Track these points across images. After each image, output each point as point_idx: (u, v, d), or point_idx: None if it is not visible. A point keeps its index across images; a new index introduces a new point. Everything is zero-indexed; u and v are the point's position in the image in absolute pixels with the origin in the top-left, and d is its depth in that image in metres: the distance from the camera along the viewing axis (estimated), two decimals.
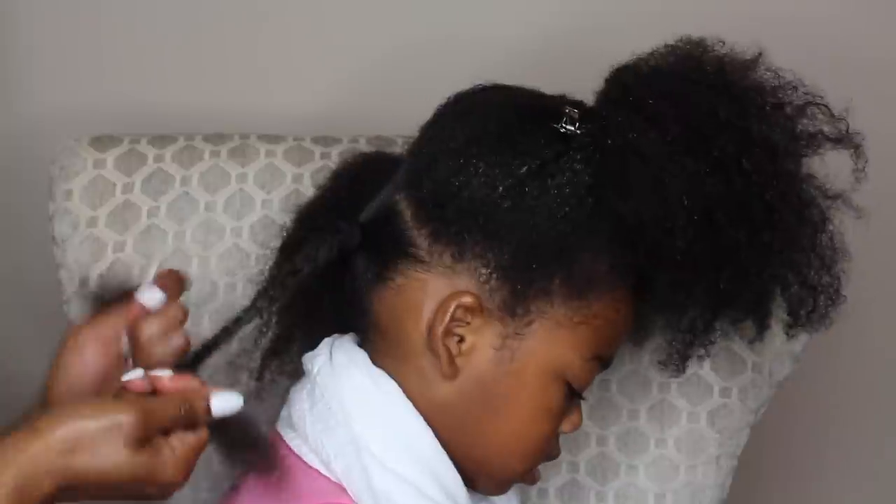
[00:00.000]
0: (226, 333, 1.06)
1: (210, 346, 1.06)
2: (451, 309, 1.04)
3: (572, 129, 1.06)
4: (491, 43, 1.54)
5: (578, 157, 1.05)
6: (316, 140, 1.33)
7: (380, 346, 1.08)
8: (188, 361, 1.05)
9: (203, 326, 1.27)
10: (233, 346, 1.23)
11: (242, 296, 1.27)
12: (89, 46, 1.56)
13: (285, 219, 1.28)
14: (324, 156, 1.31)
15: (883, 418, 1.69)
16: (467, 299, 1.04)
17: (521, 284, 1.04)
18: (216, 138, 1.33)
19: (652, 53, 1.09)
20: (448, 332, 1.05)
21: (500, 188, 1.04)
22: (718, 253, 1.04)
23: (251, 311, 1.07)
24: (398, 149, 1.31)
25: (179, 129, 1.36)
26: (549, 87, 1.11)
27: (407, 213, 1.07)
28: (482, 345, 1.05)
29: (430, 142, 1.09)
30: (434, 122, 1.10)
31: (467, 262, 1.05)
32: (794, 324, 1.11)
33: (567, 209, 1.04)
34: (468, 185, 1.04)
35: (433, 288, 1.05)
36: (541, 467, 1.23)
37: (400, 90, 1.56)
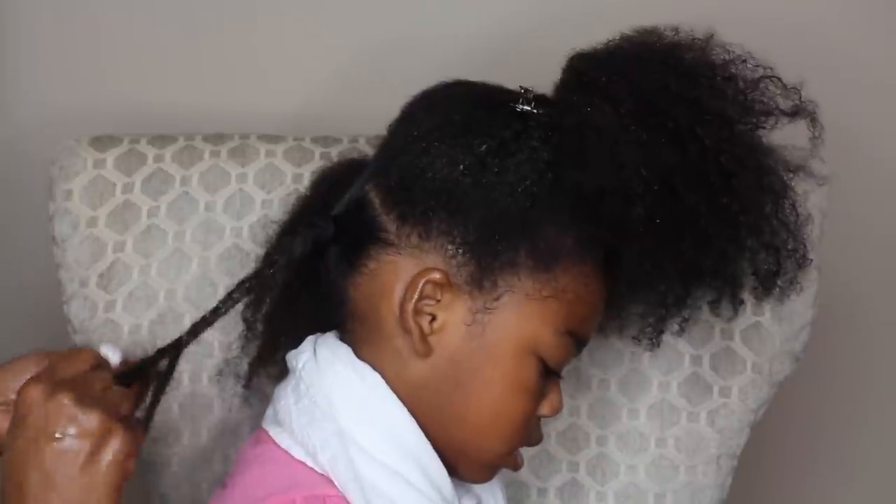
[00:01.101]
0: (204, 323, 1.09)
1: (189, 335, 1.09)
2: (420, 285, 1.06)
3: (528, 108, 1.08)
4: (494, 42, 1.54)
5: (536, 134, 1.07)
6: (316, 140, 1.33)
7: (359, 334, 1.10)
8: (170, 348, 1.08)
9: None
10: (218, 356, 1.25)
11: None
12: (89, 46, 1.56)
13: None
14: (324, 156, 1.31)
15: (882, 418, 1.69)
16: (435, 275, 1.06)
17: (487, 258, 1.06)
18: (216, 138, 1.33)
19: (606, 41, 1.11)
20: (419, 311, 1.07)
21: (461, 166, 1.06)
22: (679, 219, 1.06)
23: (228, 301, 1.09)
24: None
25: (179, 129, 1.36)
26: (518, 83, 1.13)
27: (376, 201, 1.09)
28: (453, 321, 1.07)
29: (396, 135, 1.12)
30: (400, 118, 1.13)
31: (434, 240, 1.07)
32: (763, 288, 1.13)
33: (527, 183, 1.06)
34: (431, 166, 1.07)
35: (403, 268, 1.07)
36: (540, 467, 1.24)
37: (400, 90, 1.56)
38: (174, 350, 1.08)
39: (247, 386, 1.21)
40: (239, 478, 1.09)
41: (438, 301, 1.06)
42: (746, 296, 1.16)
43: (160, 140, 1.32)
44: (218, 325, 1.27)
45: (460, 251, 1.06)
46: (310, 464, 1.07)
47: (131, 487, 1.40)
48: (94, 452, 1.00)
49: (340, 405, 1.07)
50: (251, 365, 1.19)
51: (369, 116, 1.54)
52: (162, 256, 1.28)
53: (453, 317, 1.07)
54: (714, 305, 1.15)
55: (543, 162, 1.06)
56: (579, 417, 1.29)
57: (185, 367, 1.28)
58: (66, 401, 0.99)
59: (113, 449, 1.00)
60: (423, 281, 1.06)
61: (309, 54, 1.57)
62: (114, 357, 1.07)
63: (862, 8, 1.57)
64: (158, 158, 1.31)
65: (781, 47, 1.13)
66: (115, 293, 1.28)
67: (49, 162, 1.31)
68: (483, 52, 1.52)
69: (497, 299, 1.06)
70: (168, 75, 1.57)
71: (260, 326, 1.17)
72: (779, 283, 1.12)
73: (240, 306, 1.14)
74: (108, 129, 1.35)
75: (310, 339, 1.11)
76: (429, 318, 1.07)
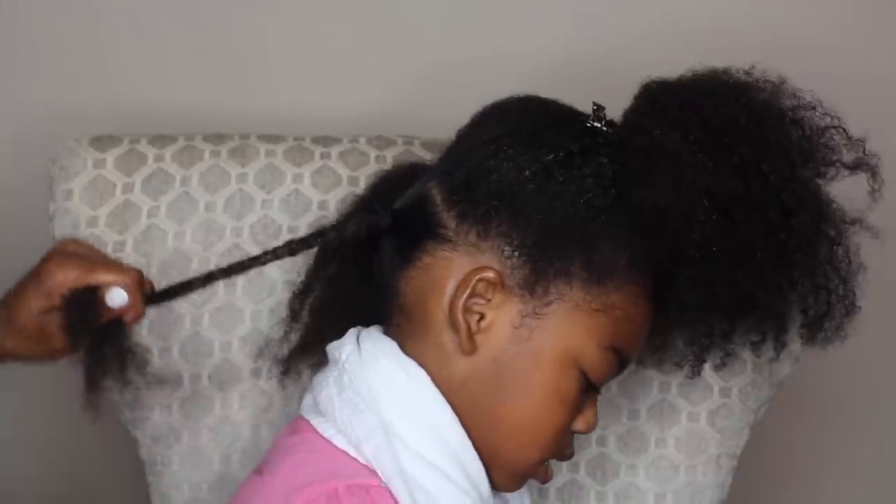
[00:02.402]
0: (240, 267, 1.14)
1: (222, 272, 1.14)
2: (473, 283, 1.07)
3: (599, 125, 1.10)
4: (486, 53, 1.54)
5: (604, 151, 1.09)
6: (316, 140, 1.33)
7: (405, 328, 1.11)
8: (200, 278, 1.14)
9: (203, 326, 1.28)
10: (218, 356, 1.25)
11: (243, 296, 1.28)
12: (89, 46, 1.56)
13: (285, 219, 1.29)
14: (324, 156, 1.31)
15: (883, 418, 1.69)
16: (489, 274, 1.07)
17: (543, 263, 1.07)
18: (216, 138, 1.33)
19: (680, 76, 1.12)
20: (468, 309, 1.08)
21: (527, 172, 1.08)
22: (736, 249, 1.07)
23: (268, 254, 1.13)
24: (398, 149, 1.31)
25: (179, 129, 1.36)
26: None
27: (438, 198, 1.10)
28: (501, 322, 1.08)
29: (464, 139, 1.14)
30: (470, 123, 1.14)
31: (492, 240, 1.08)
32: (809, 331, 1.13)
33: (590, 196, 1.07)
34: (497, 169, 1.09)
35: (458, 265, 1.09)
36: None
37: (400, 90, 1.56)
38: (203, 282, 1.13)
39: (285, 372, 1.22)
40: (279, 466, 1.09)
41: (489, 301, 1.08)
42: (791, 339, 1.17)
43: (160, 140, 1.32)
44: (218, 324, 1.28)
45: (517, 254, 1.07)
46: (352, 454, 1.08)
47: (131, 487, 1.40)
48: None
49: (384, 398, 1.08)
50: (292, 353, 1.20)
51: (370, 116, 1.54)
52: (162, 256, 1.28)
53: (502, 318, 1.08)
54: (756, 346, 1.16)
55: (608, 178, 1.08)
56: None
57: (184, 367, 1.28)
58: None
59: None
60: (476, 278, 1.07)
61: (309, 54, 1.57)
62: (118, 300, 1.09)
63: None
64: (158, 158, 1.31)
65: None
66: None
67: (49, 162, 1.31)
68: (481, 56, 1.52)
69: (547, 305, 1.07)
70: (168, 75, 1.57)
71: (306, 316, 1.19)
72: (825, 327, 1.13)
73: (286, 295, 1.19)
74: (108, 129, 1.35)
75: (352, 332, 1.12)
76: (477, 316, 1.08)
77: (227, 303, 1.28)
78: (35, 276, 1.08)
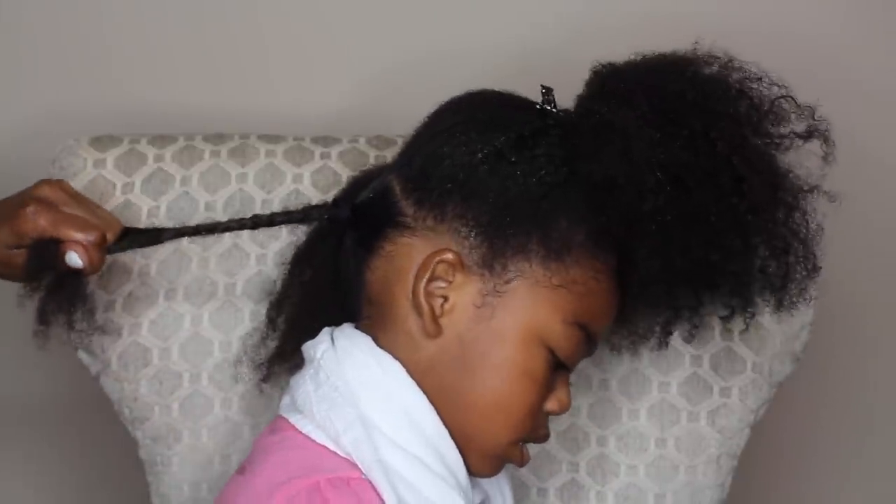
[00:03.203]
0: (204, 228, 1.19)
1: (183, 231, 1.19)
2: (433, 265, 1.09)
3: (548, 107, 1.12)
4: (486, 49, 1.54)
5: (555, 132, 1.11)
6: (316, 140, 1.33)
7: (375, 319, 1.12)
8: (168, 231, 1.18)
9: (203, 326, 1.28)
10: (218, 355, 1.25)
11: (242, 295, 1.28)
12: (89, 46, 1.56)
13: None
14: (324, 156, 1.31)
15: (882, 418, 1.69)
16: (448, 255, 1.09)
17: (499, 241, 1.08)
18: (216, 138, 1.33)
19: (630, 59, 1.14)
20: (431, 292, 1.09)
21: (479, 155, 1.09)
22: (689, 216, 1.08)
23: (232, 222, 1.18)
24: (398, 149, 1.31)
25: (179, 129, 1.36)
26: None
27: (396, 188, 1.12)
28: (463, 302, 1.09)
29: (421, 131, 1.15)
30: (427, 118, 1.16)
31: (448, 222, 1.10)
32: (774, 296, 1.14)
33: (542, 173, 1.09)
34: (451, 155, 1.10)
35: (418, 250, 1.10)
36: (541, 467, 1.23)
37: (400, 91, 1.56)
38: (168, 235, 1.18)
39: (265, 379, 1.23)
40: (259, 465, 1.10)
41: (450, 282, 1.09)
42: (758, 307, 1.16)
43: (160, 140, 1.32)
44: (218, 324, 1.28)
45: (473, 233, 1.09)
46: (332, 448, 1.09)
47: (131, 487, 1.40)
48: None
49: (361, 391, 1.09)
50: (271, 359, 1.22)
51: (370, 116, 1.54)
52: (162, 256, 1.28)
53: (463, 298, 1.09)
54: (725, 319, 1.17)
55: (559, 157, 1.09)
56: (579, 417, 1.29)
57: (184, 366, 1.28)
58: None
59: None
60: (435, 261, 1.09)
61: (309, 55, 1.57)
62: (74, 261, 1.13)
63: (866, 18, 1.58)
64: (158, 158, 1.31)
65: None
66: (114, 293, 1.28)
67: (49, 162, 1.31)
68: (479, 56, 1.53)
69: (507, 283, 1.09)
70: (168, 75, 1.56)
71: (282, 323, 1.21)
72: (789, 291, 1.13)
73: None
74: (108, 129, 1.35)
75: (326, 331, 1.14)
76: (441, 300, 1.09)
77: (227, 303, 1.28)
78: (11, 213, 1.13)
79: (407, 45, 1.57)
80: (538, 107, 1.12)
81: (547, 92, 1.13)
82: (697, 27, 1.16)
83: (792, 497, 1.71)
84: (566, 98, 1.14)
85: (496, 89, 1.16)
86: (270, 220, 1.18)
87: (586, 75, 1.14)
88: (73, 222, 1.13)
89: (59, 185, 1.16)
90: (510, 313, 1.09)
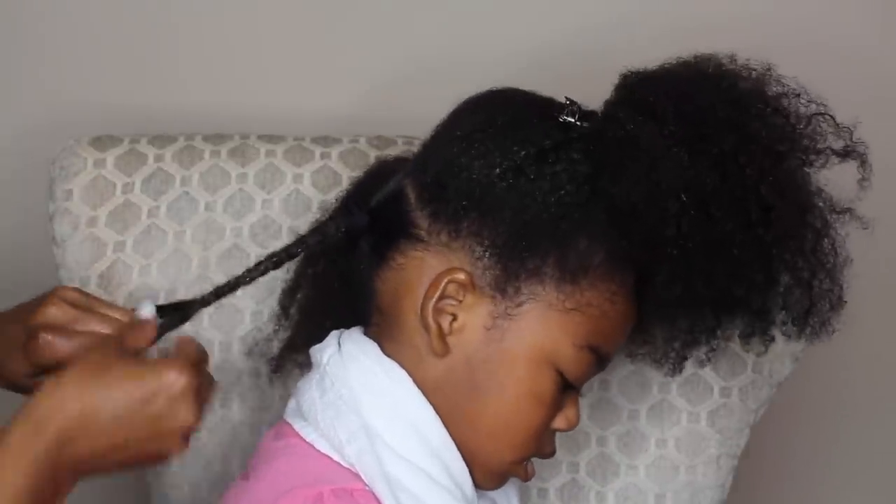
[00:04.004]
0: (227, 287, 1.09)
1: (211, 296, 1.09)
2: (443, 284, 1.06)
3: (572, 119, 1.08)
4: (487, 54, 1.54)
5: (578, 146, 1.07)
6: (316, 140, 1.33)
7: (383, 328, 1.10)
8: (190, 304, 1.08)
9: (203, 326, 1.28)
10: (218, 356, 1.25)
11: (242, 295, 1.28)
12: (89, 46, 1.56)
13: (285, 219, 1.29)
14: (324, 156, 1.31)
15: (882, 418, 1.69)
16: (460, 275, 1.06)
17: (514, 263, 1.06)
18: (216, 138, 1.33)
19: (662, 64, 1.10)
20: (439, 310, 1.07)
21: (498, 170, 1.06)
22: (713, 245, 1.05)
23: (253, 270, 1.09)
24: (398, 149, 1.31)
25: (179, 129, 1.36)
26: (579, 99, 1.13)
27: (411, 196, 1.09)
28: (473, 323, 1.07)
29: (439, 133, 1.12)
30: (447, 118, 1.13)
31: (462, 240, 1.07)
32: (794, 328, 1.11)
33: (562, 193, 1.05)
34: (468, 166, 1.07)
35: (429, 265, 1.07)
36: (540, 467, 1.23)
37: (400, 91, 1.56)
38: (192, 308, 1.08)
39: (276, 370, 1.21)
40: (263, 470, 1.09)
41: (460, 302, 1.06)
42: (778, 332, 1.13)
43: (160, 140, 1.32)
44: (218, 324, 1.28)
45: (487, 254, 1.06)
46: (335, 458, 1.07)
47: (131, 487, 1.40)
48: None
49: (366, 400, 1.07)
50: (282, 350, 1.20)
51: (370, 116, 1.54)
52: (162, 256, 1.28)
53: (474, 319, 1.07)
54: (745, 339, 1.13)
55: (581, 174, 1.06)
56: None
57: None
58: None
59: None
60: (446, 280, 1.06)
61: (309, 55, 1.57)
62: (147, 313, 1.05)
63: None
64: (158, 158, 1.31)
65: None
66: (115, 293, 1.28)
67: (49, 162, 1.31)
68: (481, 56, 1.52)
69: (519, 306, 1.06)
70: (168, 75, 1.57)
71: (295, 313, 1.18)
72: (811, 322, 1.10)
73: (277, 294, 1.18)
74: (108, 129, 1.35)
75: (334, 334, 1.12)
76: (450, 317, 1.07)
77: (227, 303, 1.28)
78: (23, 340, 1.05)
79: (407, 44, 1.57)
80: (561, 120, 1.08)
81: (571, 104, 1.09)
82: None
83: (792, 497, 1.71)
84: (583, 100, 1.11)
85: (518, 88, 1.12)
86: (289, 254, 1.10)
87: (607, 75, 1.10)
88: (91, 342, 1.03)
89: (64, 298, 1.07)
90: (520, 336, 1.06)
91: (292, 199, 1.29)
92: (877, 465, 1.70)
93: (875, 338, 1.65)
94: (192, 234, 1.29)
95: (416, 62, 1.56)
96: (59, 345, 1.03)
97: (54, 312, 1.05)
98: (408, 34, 1.57)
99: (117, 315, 1.06)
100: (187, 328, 1.28)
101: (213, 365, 1.27)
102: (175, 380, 0.98)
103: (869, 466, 1.70)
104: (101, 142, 1.32)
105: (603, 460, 1.29)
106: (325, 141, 1.33)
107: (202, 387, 1.01)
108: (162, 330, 1.05)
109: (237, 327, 1.28)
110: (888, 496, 1.71)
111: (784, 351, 1.29)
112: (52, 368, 1.02)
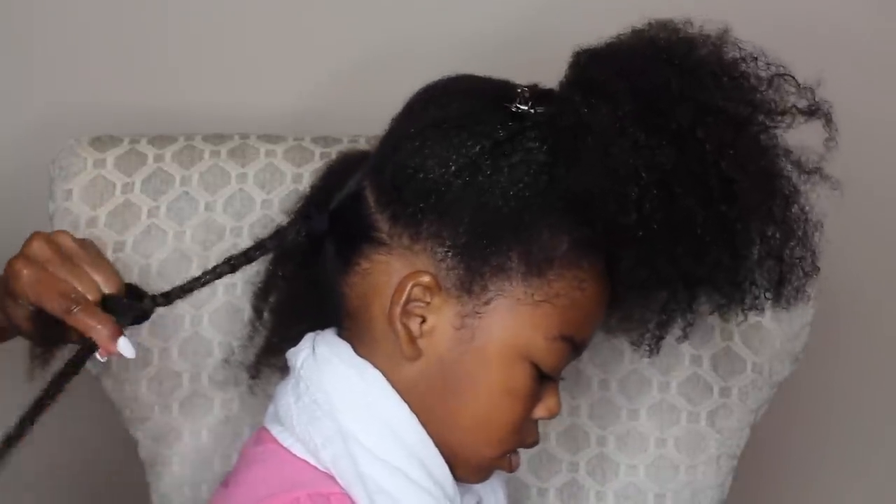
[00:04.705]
0: (180, 291, 1.07)
1: (164, 297, 1.06)
2: (408, 288, 1.05)
3: (525, 108, 1.06)
4: (495, 41, 1.54)
5: (532, 135, 1.05)
6: (316, 140, 1.33)
7: (354, 332, 1.09)
8: (153, 298, 1.06)
9: (203, 326, 1.28)
10: (217, 355, 1.25)
11: (242, 295, 1.28)
12: (89, 46, 1.56)
13: (285, 219, 1.28)
14: (324, 156, 1.31)
15: (882, 418, 1.69)
16: (424, 278, 1.05)
17: (477, 262, 1.04)
18: (216, 138, 1.33)
19: (617, 36, 1.08)
20: (407, 313, 1.05)
21: (453, 167, 1.04)
22: (675, 225, 1.03)
23: (210, 273, 1.08)
24: None
25: (179, 129, 1.36)
26: (541, 79, 1.11)
27: (370, 198, 1.08)
28: (442, 325, 1.06)
29: (394, 129, 1.11)
30: (401, 111, 1.11)
31: (423, 242, 1.05)
32: (768, 298, 1.09)
33: (520, 186, 1.04)
34: (423, 166, 1.05)
35: (394, 269, 1.06)
36: (540, 467, 1.23)
37: (400, 91, 1.56)
38: (148, 305, 1.05)
39: (254, 376, 1.20)
40: (241, 476, 1.09)
41: (428, 304, 1.05)
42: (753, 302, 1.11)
43: (160, 140, 1.32)
44: (217, 324, 1.28)
45: (450, 255, 1.04)
46: (312, 462, 1.07)
47: (131, 487, 1.40)
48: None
49: (340, 403, 1.06)
50: (258, 356, 1.19)
51: (370, 116, 1.54)
52: (162, 256, 1.28)
53: (442, 320, 1.05)
54: (721, 311, 1.11)
55: (538, 164, 1.04)
56: (579, 417, 1.29)
57: (184, 366, 1.28)
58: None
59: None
60: (410, 284, 1.05)
61: (309, 55, 1.57)
62: (128, 353, 1.04)
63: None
64: (158, 158, 1.31)
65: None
66: None
67: (49, 162, 1.31)
68: (493, 46, 1.52)
69: (487, 304, 1.05)
70: (168, 75, 1.57)
71: (268, 316, 1.17)
72: (785, 292, 1.08)
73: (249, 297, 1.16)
74: (108, 129, 1.35)
75: (308, 337, 1.11)
76: (419, 319, 1.06)
77: (227, 303, 1.28)
78: (8, 288, 1.05)
79: (407, 43, 1.57)
80: (514, 109, 1.06)
81: (523, 91, 1.07)
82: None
83: (792, 497, 1.71)
84: (546, 76, 1.09)
85: (470, 75, 1.10)
86: (247, 258, 1.08)
87: (569, 49, 1.08)
88: (53, 289, 1.03)
89: (51, 239, 1.06)
90: (491, 334, 1.05)
91: (292, 199, 1.29)
92: (877, 465, 1.70)
93: (875, 338, 1.65)
94: (192, 234, 1.29)
95: (421, 59, 1.56)
96: (24, 278, 1.03)
97: (35, 248, 1.05)
98: (408, 36, 1.57)
99: (97, 276, 1.05)
100: (187, 327, 1.29)
101: (212, 365, 1.28)
102: None
103: (869, 466, 1.70)
104: (101, 142, 1.32)
105: (602, 460, 1.29)
106: (325, 141, 1.33)
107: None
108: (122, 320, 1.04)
109: (237, 327, 1.28)
110: (888, 496, 1.71)
111: (784, 351, 1.29)
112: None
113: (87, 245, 1.08)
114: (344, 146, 1.32)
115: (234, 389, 1.28)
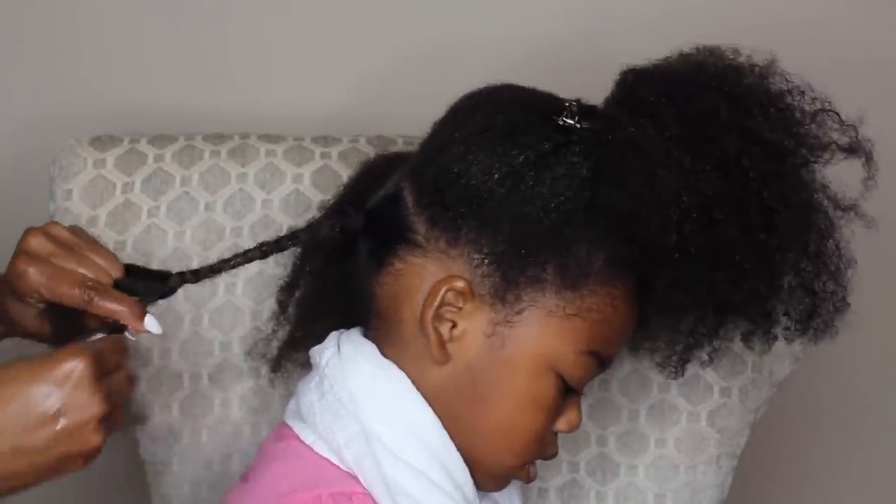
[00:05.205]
0: (209, 270, 1.09)
1: (193, 274, 1.09)
2: (442, 292, 1.05)
3: (571, 122, 1.07)
4: (489, 47, 1.54)
5: (577, 150, 1.05)
6: (316, 140, 1.33)
7: (382, 332, 1.09)
8: (176, 276, 1.08)
9: (203, 326, 1.28)
10: (218, 355, 1.25)
11: (242, 295, 1.28)
12: (89, 46, 1.56)
13: (285, 219, 1.29)
14: (324, 156, 1.31)
15: (882, 418, 1.69)
16: (458, 284, 1.05)
17: (513, 271, 1.05)
18: (216, 138, 1.33)
19: (664, 59, 1.09)
20: (439, 317, 1.06)
21: (497, 175, 1.05)
22: (714, 250, 1.04)
23: (239, 256, 1.09)
24: (398, 148, 1.31)
25: (179, 129, 1.36)
26: (561, 92, 1.12)
27: (409, 199, 1.08)
28: (473, 331, 1.06)
29: (437, 134, 1.11)
30: (445, 117, 1.11)
31: (461, 247, 1.06)
32: (797, 330, 1.10)
33: (562, 199, 1.04)
34: (467, 172, 1.06)
35: (428, 272, 1.06)
36: (541, 467, 1.23)
37: (400, 91, 1.56)
38: (175, 282, 1.08)
39: (275, 370, 1.21)
40: (262, 473, 1.09)
41: (460, 309, 1.05)
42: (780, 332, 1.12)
43: (160, 140, 1.32)
44: (218, 324, 1.28)
45: (486, 262, 1.05)
46: (334, 460, 1.07)
47: (131, 487, 1.40)
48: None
49: (364, 403, 1.07)
50: (281, 348, 1.19)
51: (370, 116, 1.54)
52: (162, 256, 1.28)
53: (474, 327, 1.06)
54: (747, 338, 1.12)
55: (581, 178, 1.04)
56: None
57: (184, 367, 1.28)
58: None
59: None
60: (444, 288, 1.05)
61: (309, 55, 1.57)
62: (155, 329, 1.05)
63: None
64: (158, 158, 1.31)
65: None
66: None
67: (49, 162, 1.31)
68: (482, 56, 1.52)
69: (519, 313, 1.05)
70: (168, 75, 1.57)
71: (293, 311, 1.17)
72: (814, 324, 1.09)
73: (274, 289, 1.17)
74: (108, 129, 1.35)
75: (333, 335, 1.11)
76: (450, 324, 1.06)
77: (227, 303, 1.28)
78: (7, 269, 1.06)
79: (407, 43, 1.57)
80: (561, 122, 1.07)
81: (571, 105, 1.07)
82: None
83: (791, 497, 1.71)
84: (582, 91, 1.09)
85: (514, 84, 1.11)
86: (279, 246, 1.09)
87: (602, 64, 1.08)
88: (67, 281, 1.04)
89: (46, 232, 1.07)
90: (521, 344, 1.06)
91: (292, 199, 1.29)
92: (876, 466, 1.70)
93: (876, 337, 1.65)
94: (192, 234, 1.29)
95: (417, 60, 1.56)
96: (31, 275, 1.04)
97: (35, 243, 1.06)
98: (409, 31, 1.57)
99: (100, 260, 1.06)
100: (187, 327, 1.29)
101: (212, 365, 1.28)
102: (72, 367, 0.98)
103: (869, 466, 1.70)
104: (101, 142, 1.32)
105: (603, 460, 1.29)
106: (326, 141, 1.33)
107: (110, 382, 1.00)
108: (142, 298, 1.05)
109: (237, 327, 1.28)
110: (888, 496, 1.71)
111: (784, 351, 1.29)
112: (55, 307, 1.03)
113: (79, 231, 1.09)
114: (344, 146, 1.32)
115: (234, 389, 1.28)
